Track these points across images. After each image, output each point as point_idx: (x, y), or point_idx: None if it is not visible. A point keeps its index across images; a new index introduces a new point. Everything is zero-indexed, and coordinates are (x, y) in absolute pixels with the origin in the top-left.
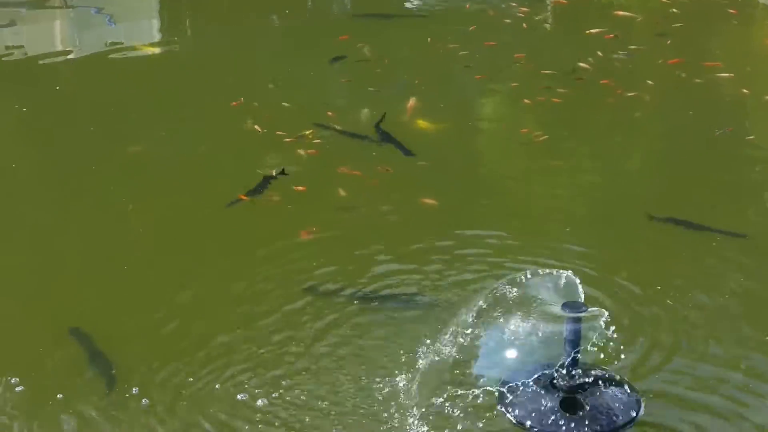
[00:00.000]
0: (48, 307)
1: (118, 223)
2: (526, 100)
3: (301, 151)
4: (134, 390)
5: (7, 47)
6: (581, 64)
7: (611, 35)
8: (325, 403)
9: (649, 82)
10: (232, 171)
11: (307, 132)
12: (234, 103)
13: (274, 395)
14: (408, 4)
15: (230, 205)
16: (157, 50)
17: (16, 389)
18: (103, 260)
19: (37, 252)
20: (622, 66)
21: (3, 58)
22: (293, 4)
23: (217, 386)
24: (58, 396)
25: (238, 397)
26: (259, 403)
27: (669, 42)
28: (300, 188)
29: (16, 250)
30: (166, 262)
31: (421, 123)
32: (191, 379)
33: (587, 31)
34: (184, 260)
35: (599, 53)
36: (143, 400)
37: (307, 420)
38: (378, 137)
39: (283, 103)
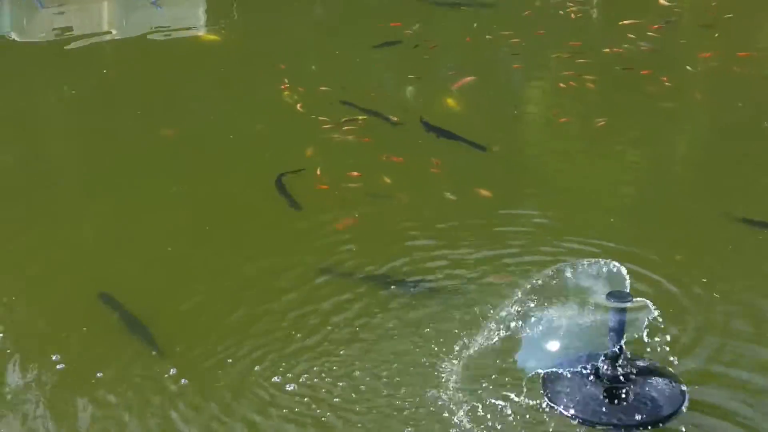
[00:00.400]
0: (89, 284)
1: (162, 204)
2: (562, 85)
3: (350, 137)
4: (172, 370)
5: (54, 29)
6: (615, 50)
7: (656, 25)
8: (367, 388)
9: (689, 68)
10: (275, 154)
11: (360, 118)
12: (282, 87)
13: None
14: None
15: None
16: (218, 38)
17: (57, 366)
18: (147, 241)
19: (81, 233)
20: (663, 56)
21: (52, 41)
22: None
23: (257, 368)
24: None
25: (274, 379)
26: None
27: (717, 35)
28: (354, 174)
29: (62, 232)
30: (209, 243)
31: (450, 102)
32: (231, 360)
33: (621, 22)
34: (225, 240)
35: (642, 42)
36: (182, 380)
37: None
38: (433, 132)
39: (322, 87)
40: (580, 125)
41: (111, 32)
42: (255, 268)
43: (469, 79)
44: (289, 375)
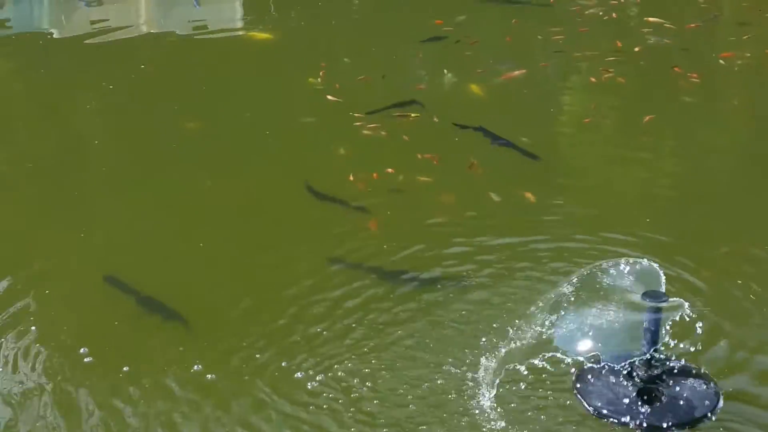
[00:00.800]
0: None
1: (197, 199)
2: (592, 79)
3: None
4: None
5: (92, 22)
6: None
7: (694, 24)
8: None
9: (722, 62)
10: (308, 150)
11: (412, 114)
12: (311, 79)
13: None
14: None
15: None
16: (269, 36)
17: (85, 360)
18: (180, 235)
19: (116, 230)
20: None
21: (90, 37)
22: None
23: (283, 363)
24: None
25: (297, 375)
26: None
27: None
28: (389, 170)
29: (96, 228)
30: (243, 236)
31: (474, 87)
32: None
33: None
34: (260, 235)
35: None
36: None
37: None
38: (493, 140)
39: (359, 77)
40: (619, 122)
41: (149, 27)
42: (299, 267)
43: (518, 72)
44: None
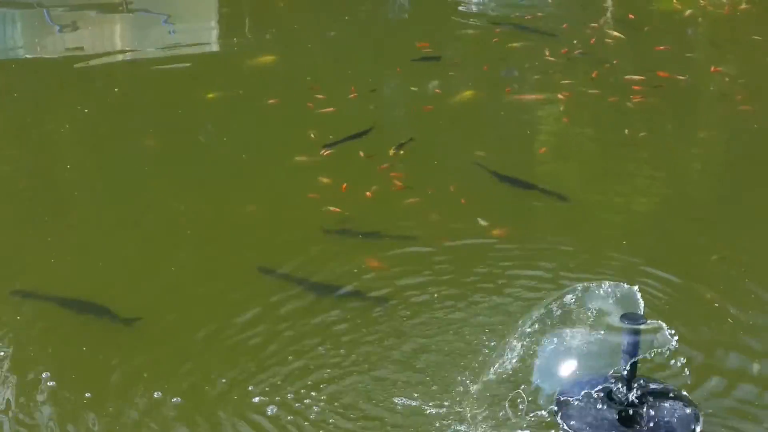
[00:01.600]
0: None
1: (169, 221)
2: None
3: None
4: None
5: (68, 49)
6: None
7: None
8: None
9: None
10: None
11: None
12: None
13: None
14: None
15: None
16: (272, 59)
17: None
18: (152, 258)
19: (87, 254)
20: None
21: (65, 61)
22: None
23: (249, 388)
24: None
25: (255, 399)
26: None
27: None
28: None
29: (68, 252)
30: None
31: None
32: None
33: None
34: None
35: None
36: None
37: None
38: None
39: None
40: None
41: (123, 52)
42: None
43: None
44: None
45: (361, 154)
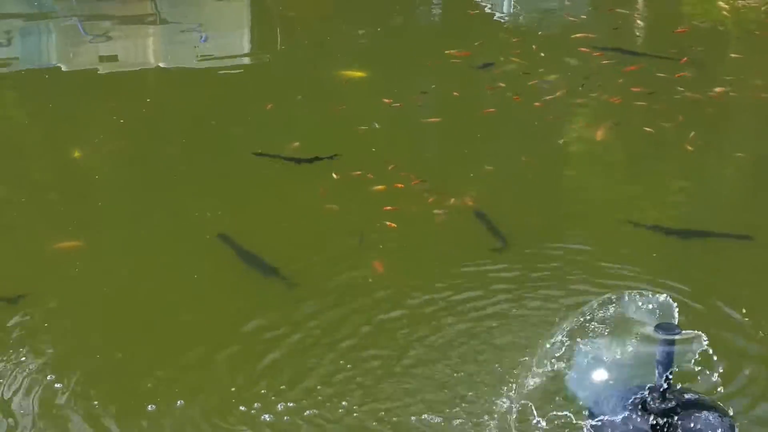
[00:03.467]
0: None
1: (204, 232)
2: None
3: None
4: None
5: (100, 57)
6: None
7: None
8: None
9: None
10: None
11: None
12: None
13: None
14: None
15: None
16: (363, 74)
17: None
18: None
19: (115, 262)
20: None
21: (98, 71)
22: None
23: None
24: None
25: None
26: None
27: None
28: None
29: (95, 260)
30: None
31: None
32: None
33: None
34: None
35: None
36: None
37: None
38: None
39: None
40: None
41: (156, 62)
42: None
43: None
44: None
45: None
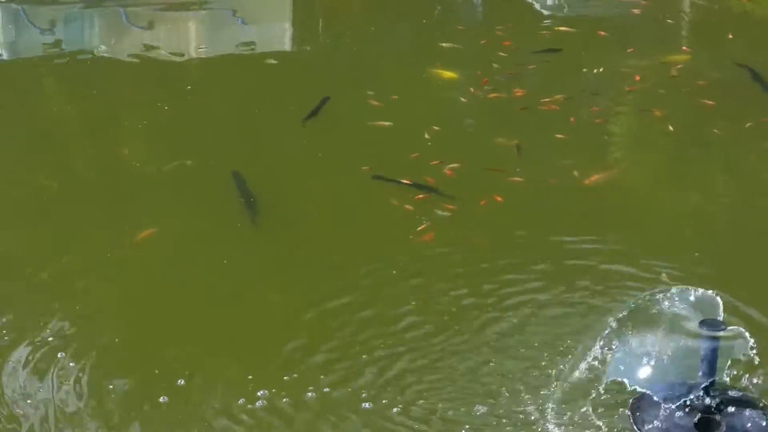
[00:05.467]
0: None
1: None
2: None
3: None
4: None
5: (143, 44)
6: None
7: None
8: None
9: None
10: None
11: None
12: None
13: None
14: None
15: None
16: (456, 75)
17: None
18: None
19: (151, 250)
20: None
21: (141, 59)
22: None
23: None
24: None
25: None
26: None
27: None
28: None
29: (135, 245)
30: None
31: None
32: None
33: None
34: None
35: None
36: None
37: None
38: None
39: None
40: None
41: (198, 49)
42: None
43: None
44: None
45: None
